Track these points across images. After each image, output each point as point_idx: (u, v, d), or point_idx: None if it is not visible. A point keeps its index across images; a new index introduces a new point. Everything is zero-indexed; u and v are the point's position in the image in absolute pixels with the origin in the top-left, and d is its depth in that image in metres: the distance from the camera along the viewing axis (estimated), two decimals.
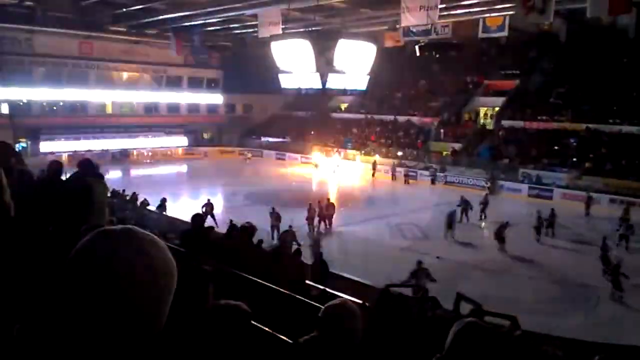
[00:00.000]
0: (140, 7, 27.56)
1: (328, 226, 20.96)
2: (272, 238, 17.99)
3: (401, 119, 41.01)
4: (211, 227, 9.93)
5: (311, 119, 45.40)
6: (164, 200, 21.50)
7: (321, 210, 20.86)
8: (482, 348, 2.11)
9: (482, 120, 39.24)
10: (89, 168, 6.22)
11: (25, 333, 1.00)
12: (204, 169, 38.39)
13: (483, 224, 22.12)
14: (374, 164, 35.33)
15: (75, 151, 34.55)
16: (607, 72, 32.23)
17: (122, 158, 39.23)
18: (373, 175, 34.90)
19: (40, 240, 2.53)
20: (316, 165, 38.25)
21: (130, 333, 0.90)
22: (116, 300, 0.88)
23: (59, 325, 0.90)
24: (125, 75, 44.66)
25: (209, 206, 20.49)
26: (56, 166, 6.22)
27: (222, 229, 13.28)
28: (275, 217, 19.00)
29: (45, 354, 0.91)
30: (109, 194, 9.35)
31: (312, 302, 5.50)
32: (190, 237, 7.21)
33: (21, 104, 38.94)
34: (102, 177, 6.57)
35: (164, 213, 20.65)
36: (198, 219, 7.84)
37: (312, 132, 42.71)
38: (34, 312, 1.15)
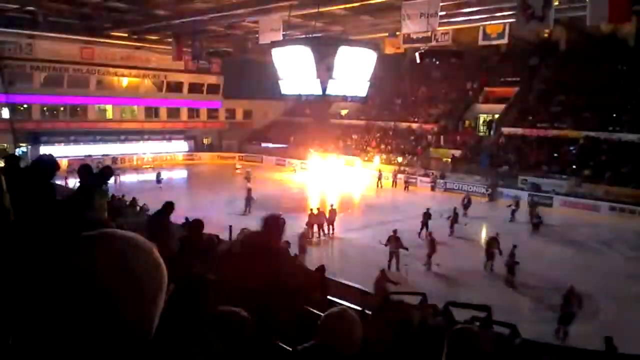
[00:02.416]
0: (142, 12, 27.64)
1: (331, 231, 20.94)
2: None
3: (401, 125, 41.08)
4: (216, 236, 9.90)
5: (311, 125, 45.46)
6: (249, 191, 24.97)
7: (322, 216, 20.84)
8: (476, 353, 2.10)
9: (481, 128, 39.38)
10: (88, 174, 6.21)
11: (20, 342, 0.99)
12: (204, 174, 38.39)
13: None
14: (380, 174, 34.34)
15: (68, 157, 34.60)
16: (607, 80, 32.33)
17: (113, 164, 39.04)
18: (379, 186, 33.77)
19: (39, 245, 2.51)
20: (294, 170, 38.56)
21: (115, 338, 0.88)
22: (96, 306, 0.86)
23: (48, 334, 0.88)
24: (126, 80, 44.77)
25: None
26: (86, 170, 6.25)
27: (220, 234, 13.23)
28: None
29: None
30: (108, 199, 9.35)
31: (312, 310, 5.47)
32: (189, 243, 7.18)
33: (22, 108, 39.00)
34: (101, 182, 6.56)
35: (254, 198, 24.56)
36: (197, 224, 7.80)
37: (315, 140, 42.65)
38: (29, 319, 1.14)
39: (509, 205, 25.14)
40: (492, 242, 16.89)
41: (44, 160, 6.55)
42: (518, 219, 24.13)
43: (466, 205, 24.49)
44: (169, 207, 7.61)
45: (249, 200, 24.92)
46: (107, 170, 6.92)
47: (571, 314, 12.07)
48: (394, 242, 16.78)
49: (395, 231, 17.07)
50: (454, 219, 21.36)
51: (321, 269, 10.47)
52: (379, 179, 34.07)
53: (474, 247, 19.66)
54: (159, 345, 1.04)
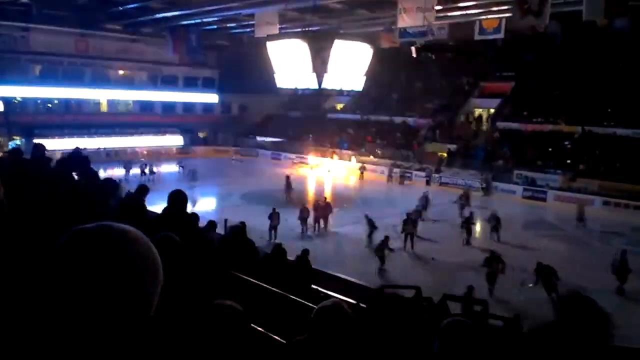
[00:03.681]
0: (137, 5, 27.49)
1: (324, 226, 20.92)
2: (270, 238, 17.99)
3: (397, 120, 41.09)
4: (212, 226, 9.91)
5: (307, 119, 45.40)
6: (288, 178, 26.89)
7: (317, 210, 20.84)
8: (469, 344, 2.12)
9: (476, 122, 39.43)
10: (85, 167, 6.23)
11: (22, 333, 1.00)
12: (198, 168, 38.24)
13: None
14: (362, 167, 35.25)
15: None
16: (602, 74, 32.39)
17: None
18: (361, 177, 34.62)
19: (35, 238, 2.52)
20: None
21: (113, 329, 0.89)
22: (95, 297, 0.87)
23: (45, 324, 0.89)
24: (120, 73, 44.57)
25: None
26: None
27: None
28: (277, 218, 18.95)
29: (36, 351, 0.91)
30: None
31: (306, 303, 5.50)
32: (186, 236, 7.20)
33: (16, 101, 38.79)
34: (96, 175, 6.58)
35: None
36: (193, 217, 7.82)
37: (310, 135, 42.71)
38: (28, 311, 1.15)
39: (456, 201, 24.13)
40: (544, 270, 13.75)
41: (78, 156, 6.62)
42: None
43: (424, 205, 23.32)
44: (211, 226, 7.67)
45: (288, 187, 26.71)
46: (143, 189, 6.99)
47: (494, 272, 14.16)
48: (410, 224, 18.35)
49: (408, 214, 19.06)
50: (418, 216, 21.01)
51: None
52: (362, 171, 34.81)
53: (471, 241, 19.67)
54: (156, 337, 1.05)
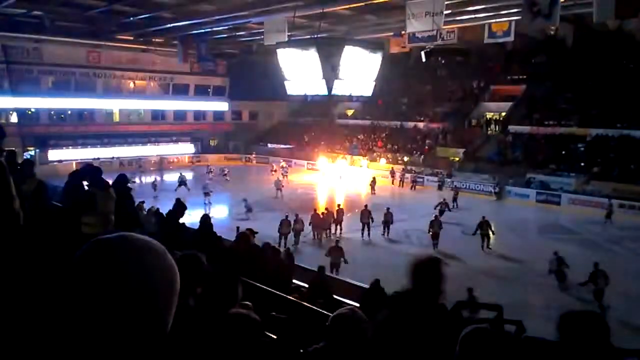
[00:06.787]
0: (147, 15, 27.72)
1: (339, 232, 20.89)
2: (279, 245, 17.96)
3: (407, 124, 41.02)
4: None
5: (317, 125, 45.48)
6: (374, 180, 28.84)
7: (330, 216, 20.80)
8: (490, 354, 2.08)
9: (487, 126, 39.25)
10: (95, 177, 6.26)
11: (33, 341, 1.00)
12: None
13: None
14: (373, 181, 31.74)
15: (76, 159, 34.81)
16: (614, 76, 32.12)
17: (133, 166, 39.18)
18: (372, 192, 31.03)
19: (47, 248, 2.53)
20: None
21: (131, 338, 0.90)
22: (114, 307, 0.88)
23: (63, 332, 0.90)
24: (132, 83, 45.02)
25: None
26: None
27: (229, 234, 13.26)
28: (287, 225, 18.95)
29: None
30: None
31: (321, 310, 5.48)
32: (198, 240, 7.20)
33: (30, 112, 39.30)
34: (108, 186, 6.60)
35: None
36: (206, 221, 7.80)
37: (321, 140, 42.75)
38: (41, 318, 1.16)
39: (437, 206, 22.76)
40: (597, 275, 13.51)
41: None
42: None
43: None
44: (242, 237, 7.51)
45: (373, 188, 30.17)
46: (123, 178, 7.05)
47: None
48: (436, 225, 19.20)
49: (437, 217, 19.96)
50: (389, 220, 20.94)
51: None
52: (372, 185, 31.57)
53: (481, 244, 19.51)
54: (174, 344, 1.05)
